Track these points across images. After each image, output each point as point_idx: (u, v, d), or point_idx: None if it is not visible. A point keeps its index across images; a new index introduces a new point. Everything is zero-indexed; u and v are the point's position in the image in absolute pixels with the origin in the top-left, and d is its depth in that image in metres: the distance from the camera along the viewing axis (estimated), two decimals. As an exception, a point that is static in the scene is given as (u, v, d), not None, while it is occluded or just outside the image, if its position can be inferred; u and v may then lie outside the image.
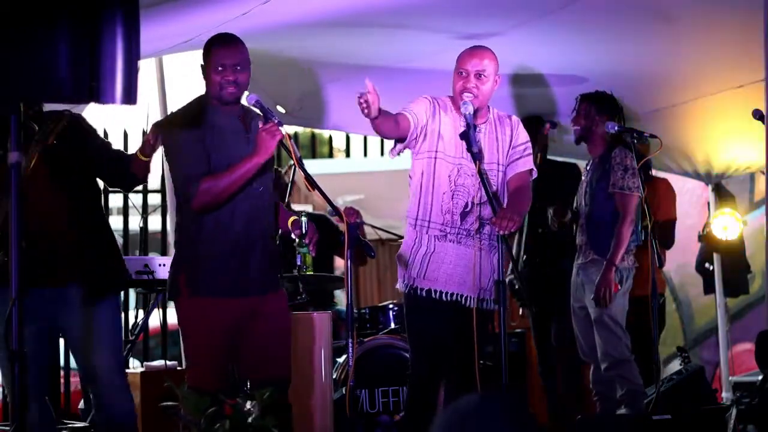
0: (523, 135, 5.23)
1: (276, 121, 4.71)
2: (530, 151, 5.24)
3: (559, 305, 7.24)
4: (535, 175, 5.26)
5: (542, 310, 7.39)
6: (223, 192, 4.76)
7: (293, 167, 7.67)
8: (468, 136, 4.92)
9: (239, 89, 4.83)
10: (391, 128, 4.98)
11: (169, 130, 4.89)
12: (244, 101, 4.96)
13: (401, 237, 5.26)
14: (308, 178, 4.82)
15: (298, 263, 4.88)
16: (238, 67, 4.82)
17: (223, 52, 4.83)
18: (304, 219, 4.94)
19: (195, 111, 4.88)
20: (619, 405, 6.28)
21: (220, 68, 4.81)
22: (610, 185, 6.33)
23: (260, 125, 4.75)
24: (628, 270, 6.34)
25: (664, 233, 7.05)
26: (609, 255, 6.25)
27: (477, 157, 4.94)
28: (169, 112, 7.89)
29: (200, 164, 4.77)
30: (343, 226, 4.82)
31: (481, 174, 4.94)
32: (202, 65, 4.92)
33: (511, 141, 5.19)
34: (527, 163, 5.21)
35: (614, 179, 6.34)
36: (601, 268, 6.27)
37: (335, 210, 4.93)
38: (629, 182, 6.29)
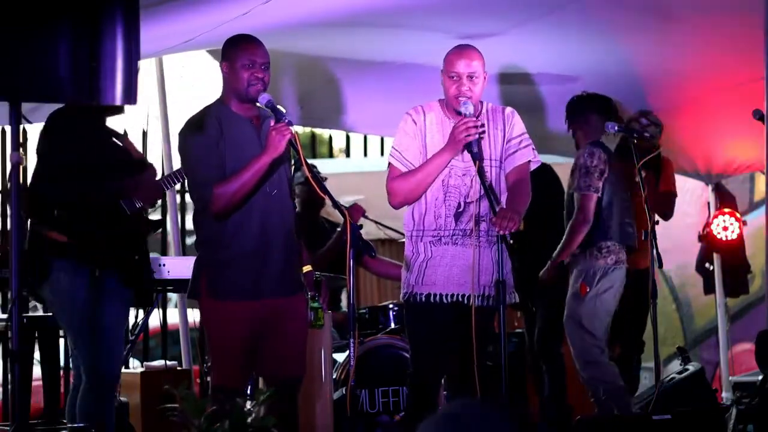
0: (518, 127, 5.16)
1: (286, 121, 4.74)
2: (528, 141, 5.15)
3: (541, 308, 7.25)
4: (538, 164, 5.21)
5: (530, 312, 7.40)
6: (235, 194, 4.79)
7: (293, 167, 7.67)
8: None
9: (264, 88, 4.88)
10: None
11: (183, 139, 4.94)
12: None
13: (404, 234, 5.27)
14: (315, 178, 4.84)
15: (311, 318, 4.94)
16: (264, 67, 4.88)
17: (253, 50, 4.89)
18: (317, 275, 5.03)
19: (208, 117, 4.91)
20: (609, 404, 6.27)
21: (249, 65, 4.86)
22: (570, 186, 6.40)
23: (272, 124, 4.77)
24: (602, 269, 6.31)
25: (664, 204, 7.00)
26: (555, 253, 6.30)
27: (476, 156, 4.93)
28: (169, 113, 7.96)
29: (214, 170, 4.81)
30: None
31: (481, 174, 4.94)
32: (224, 63, 4.93)
33: (504, 135, 5.14)
34: (525, 155, 5.14)
35: (572, 179, 6.39)
36: (578, 266, 6.32)
37: (339, 210, 4.92)
38: (581, 182, 6.31)
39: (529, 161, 5.15)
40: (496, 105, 5.22)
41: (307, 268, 5.10)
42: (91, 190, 5.42)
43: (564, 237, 6.36)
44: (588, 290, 6.28)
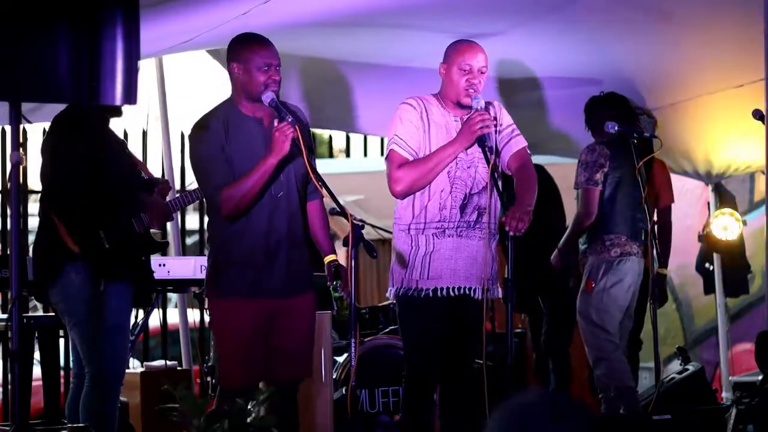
0: (506, 118, 5.16)
1: (289, 120, 4.72)
2: (518, 131, 5.16)
3: (549, 307, 7.25)
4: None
5: (535, 312, 7.41)
6: (244, 197, 4.78)
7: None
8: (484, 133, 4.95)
9: (278, 89, 4.87)
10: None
11: (191, 142, 4.94)
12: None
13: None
14: (317, 176, 4.83)
15: (335, 308, 4.93)
16: (278, 68, 4.88)
17: (267, 52, 4.87)
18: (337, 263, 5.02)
19: (214, 120, 4.89)
20: (617, 404, 6.27)
21: (266, 68, 4.83)
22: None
23: (275, 124, 4.77)
24: (606, 262, 6.33)
25: (667, 220, 6.95)
26: (560, 242, 6.45)
27: (491, 151, 4.96)
28: (169, 114, 7.95)
29: (222, 174, 4.81)
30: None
31: (494, 170, 4.96)
32: (234, 64, 4.88)
33: (495, 127, 5.14)
34: (520, 142, 5.14)
35: (575, 177, 6.43)
36: (587, 262, 6.34)
37: (341, 209, 4.92)
38: (582, 176, 6.38)
39: (525, 147, 5.15)
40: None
41: (330, 258, 5.06)
42: (111, 199, 5.48)
43: (568, 229, 6.46)
44: (594, 285, 6.29)
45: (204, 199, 5.14)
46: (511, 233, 4.84)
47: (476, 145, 5.00)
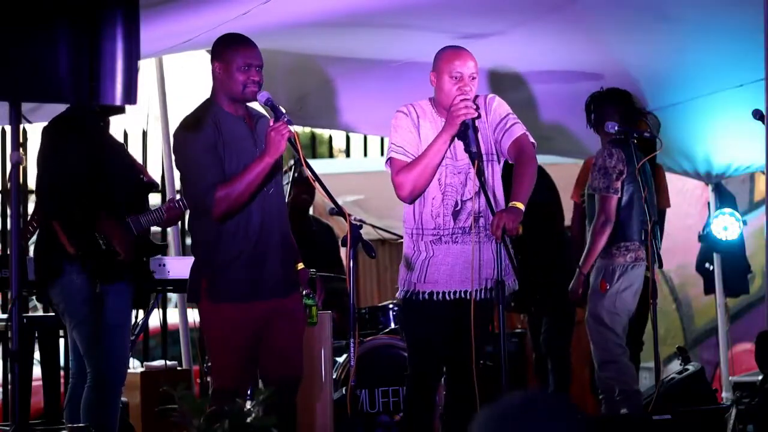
0: (502, 108, 5.09)
1: (285, 120, 4.72)
2: (516, 119, 5.07)
3: (549, 308, 7.24)
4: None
5: (535, 312, 7.40)
6: (239, 197, 4.76)
7: (293, 167, 7.66)
8: (466, 136, 4.91)
9: (259, 89, 4.85)
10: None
11: (182, 141, 4.88)
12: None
13: (401, 236, 5.26)
14: (314, 176, 4.83)
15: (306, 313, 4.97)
16: (259, 69, 4.87)
17: (249, 52, 4.86)
18: (312, 272, 5.04)
19: (205, 118, 4.86)
20: (620, 405, 6.27)
21: (246, 68, 4.83)
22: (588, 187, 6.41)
23: (270, 124, 4.76)
24: (621, 266, 6.31)
25: (661, 224, 6.97)
26: (581, 261, 6.30)
27: (475, 156, 4.92)
28: (169, 114, 7.95)
29: (215, 173, 4.77)
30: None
31: (480, 174, 4.93)
32: (216, 64, 4.87)
33: (488, 123, 5.09)
34: (518, 129, 5.05)
35: (590, 180, 6.38)
36: (597, 264, 6.32)
37: (339, 208, 4.91)
38: (601, 183, 6.29)
39: (526, 133, 5.06)
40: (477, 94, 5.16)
41: (300, 266, 5.08)
42: (109, 200, 5.50)
43: (588, 242, 6.33)
44: (608, 287, 6.27)
45: (189, 203, 5.06)
46: (498, 240, 4.83)
47: (464, 150, 4.96)
